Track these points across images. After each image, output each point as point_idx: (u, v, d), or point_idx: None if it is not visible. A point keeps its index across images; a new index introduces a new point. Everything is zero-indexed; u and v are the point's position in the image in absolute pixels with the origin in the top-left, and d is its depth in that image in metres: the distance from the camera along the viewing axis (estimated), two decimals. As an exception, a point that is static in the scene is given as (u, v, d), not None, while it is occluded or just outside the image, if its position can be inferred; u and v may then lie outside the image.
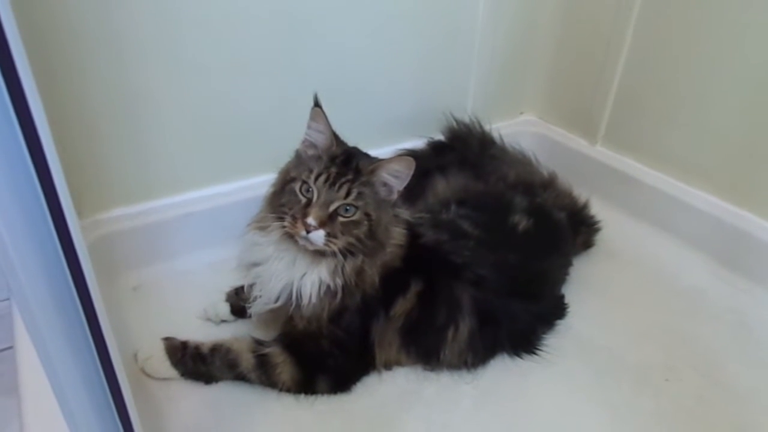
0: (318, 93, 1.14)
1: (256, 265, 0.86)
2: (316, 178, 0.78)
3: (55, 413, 0.45)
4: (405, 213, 0.87)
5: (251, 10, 1.00)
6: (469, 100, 1.37)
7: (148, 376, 0.85)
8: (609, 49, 1.25)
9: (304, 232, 0.76)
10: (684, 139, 1.18)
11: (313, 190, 0.78)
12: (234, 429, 0.79)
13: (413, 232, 0.87)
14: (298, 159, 0.84)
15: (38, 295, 0.39)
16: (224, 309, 0.97)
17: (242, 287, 0.95)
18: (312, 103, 0.83)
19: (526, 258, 0.94)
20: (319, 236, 0.76)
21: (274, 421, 0.81)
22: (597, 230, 1.18)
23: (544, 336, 0.95)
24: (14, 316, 0.89)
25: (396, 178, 0.80)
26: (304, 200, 0.78)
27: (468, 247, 0.90)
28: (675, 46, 1.15)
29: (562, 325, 0.98)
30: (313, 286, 0.80)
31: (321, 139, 0.82)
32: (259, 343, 0.85)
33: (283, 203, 0.80)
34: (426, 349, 0.88)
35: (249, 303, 0.89)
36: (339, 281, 0.80)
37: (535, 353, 0.92)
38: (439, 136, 1.29)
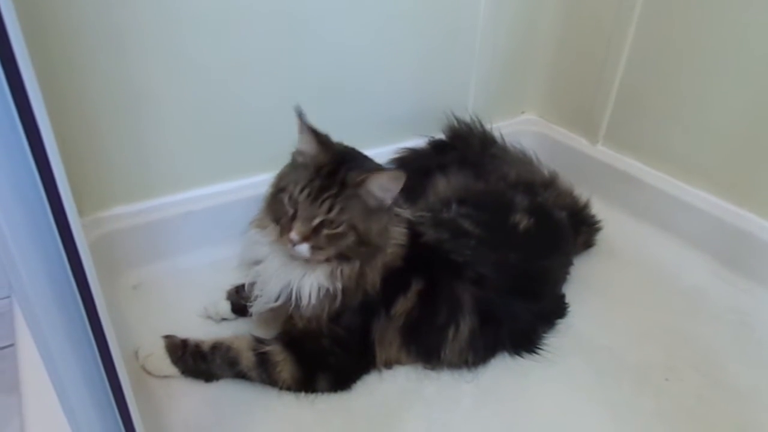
0: (319, 92, 1.14)
1: (257, 263, 0.86)
2: (301, 191, 0.77)
3: (56, 410, 0.46)
4: (406, 212, 0.86)
5: (253, 8, 0.99)
6: (470, 99, 1.37)
7: (149, 373, 0.85)
8: (610, 48, 1.25)
9: (290, 245, 0.77)
10: (685, 138, 1.18)
11: (297, 204, 0.78)
12: (234, 427, 0.79)
13: (414, 231, 0.87)
14: (292, 164, 0.84)
15: (39, 293, 0.39)
16: (225, 307, 0.97)
17: (243, 285, 0.95)
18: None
19: (527, 257, 0.94)
20: (303, 249, 0.77)
21: (274, 420, 0.81)
22: (598, 230, 1.18)
23: (544, 335, 0.95)
24: (15, 313, 0.89)
25: (384, 191, 0.79)
26: (290, 212, 0.78)
27: (469, 246, 0.90)
28: (676, 46, 1.14)
29: (562, 324, 0.98)
30: (312, 288, 0.80)
31: (307, 149, 0.81)
32: (259, 341, 0.85)
33: (276, 210, 0.81)
34: (427, 348, 0.88)
35: (250, 302, 0.89)
36: (338, 284, 0.80)
37: (535, 352, 0.92)
38: (440, 135, 1.29)
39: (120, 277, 1.04)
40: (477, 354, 0.88)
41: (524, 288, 0.91)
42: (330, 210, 0.76)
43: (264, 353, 0.83)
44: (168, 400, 0.82)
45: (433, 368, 0.89)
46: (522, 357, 0.91)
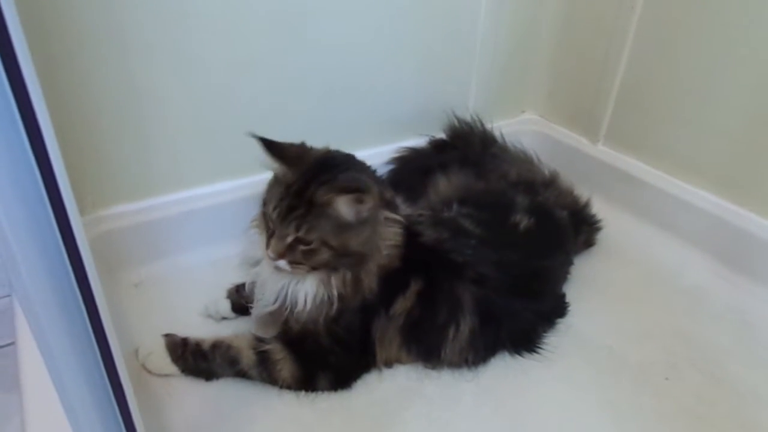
0: (321, 91, 1.14)
1: (257, 263, 0.86)
2: (273, 210, 0.78)
3: (56, 408, 0.46)
4: (398, 214, 0.85)
5: (254, 7, 0.99)
6: (471, 99, 1.37)
7: (149, 372, 0.85)
8: (611, 47, 1.25)
9: (270, 260, 0.79)
10: (686, 138, 1.18)
11: (272, 222, 0.78)
12: (234, 426, 0.79)
13: (412, 231, 0.87)
14: (273, 179, 0.83)
15: (40, 291, 0.39)
16: (225, 306, 0.97)
17: (243, 284, 0.95)
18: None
19: (528, 256, 0.94)
20: (282, 264, 0.78)
21: (274, 418, 0.81)
22: (598, 229, 1.18)
23: (545, 334, 0.95)
24: (15, 312, 0.89)
25: (351, 210, 0.76)
26: (270, 229, 0.79)
27: (469, 245, 0.90)
28: (677, 45, 1.14)
29: (563, 323, 0.98)
30: (307, 295, 0.81)
31: (275, 169, 0.81)
32: (259, 339, 0.85)
33: (261, 224, 0.83)
34: (427, 347, 0.88)
35: (250, 302, 0.89)
36: (333, 291, 0.80)
37: (536, 352, 0.92)
38: (441, 135, 1.29)
39: (121, 275, 1.04)
40: (477, 353, 0.88)
41: (525, 287, 0.91)
42: (298, 229, 0.76)
43: (264, 352, 0.83)
44: (168, 398, 0.82)
45: (433, 367, 0.89)
46: (522, 356, 0.91)
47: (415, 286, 0.85)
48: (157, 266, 1.07)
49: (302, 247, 0.77)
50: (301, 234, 0.76)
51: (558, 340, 0.95)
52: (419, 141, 1.28)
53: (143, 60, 0.95)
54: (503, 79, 1.40)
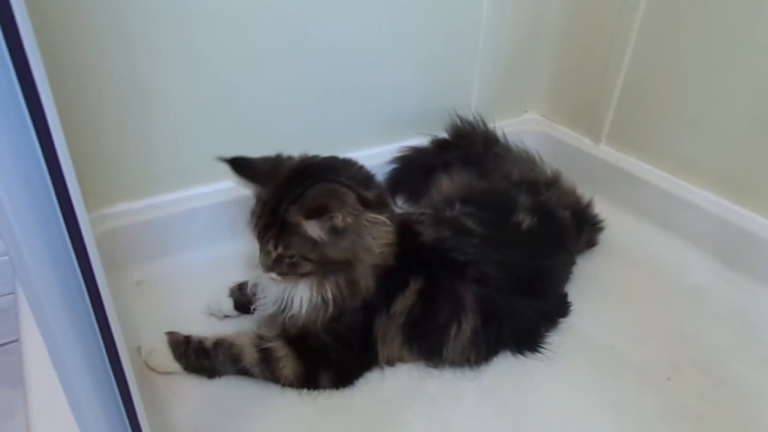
0: (323, 91, 1.14)
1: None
2: (254, 228, 0.80)
3: (61, 405, 0.46)
4: (383, 213, 0.82)
5: (258, 6, 1.00)
6: (473, 98, 1.37)
7: (152, 369, 0.85)
8: (613, 47, 1.25)
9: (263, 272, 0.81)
10: (688, 138, 1.18)
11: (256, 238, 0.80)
12: (237, 423, 0.80)
13: (410, 230, 0.87)
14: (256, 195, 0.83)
15: (47, 287, 0.39)
16: (227, 304, 0.98)
17: (245, 283, 0.95)
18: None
19: (530, 256, 0.94)
20: (273, 275, 0.80)
21: (276, 416, 0.81)
22: (600, 229, 1.18)
23: (547, 334, 0.95)
24: (20, 308, 0.89)
25: (323, 230, 0.75)
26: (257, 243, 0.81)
27: (472, 244, 0.90)
28: (680, 45, 1.14)
29: (565, 323, 0.98)
30: (303, 299, 0.81)
31: (251, 188, 0.82)
32: (262, 337, 0.86)
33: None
34: (429, 346, 0.88)
35: (252, 301, 0.89)
36: (329, 295, 0.80)
37: (538, 351, 0.92)
38: (443, 134, 1.29)
39: (124, 273, 1.04)
40: (479, 352, 0.88)
41: (527, 287, 0.91)
42: (276, 247, 0.78)
43: (267, 350, 0.84)
44: (171, 396, 0.82)
45: (435, 366, 0.89)
46: (524, 355, 0.91)
47: (415, 285, 0.85)
48: (160, 264, 1.07)
49: (287, 260, 0.78)
50: (279, 251, 0.77)
51: (560, 339, 0.95)
52: (421, 140, 1.28)
53: (147, 59, 0.95)
54: (505, 79, 1.40)
